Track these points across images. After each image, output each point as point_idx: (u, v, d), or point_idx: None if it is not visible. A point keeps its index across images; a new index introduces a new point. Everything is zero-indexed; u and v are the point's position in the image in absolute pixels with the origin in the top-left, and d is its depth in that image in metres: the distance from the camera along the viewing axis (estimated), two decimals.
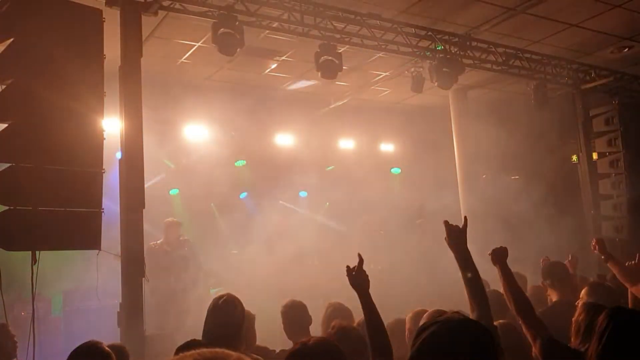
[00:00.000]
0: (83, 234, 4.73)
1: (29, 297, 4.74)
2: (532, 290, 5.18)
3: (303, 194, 13.05)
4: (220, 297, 3.83)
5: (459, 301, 2.99)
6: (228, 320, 3.50)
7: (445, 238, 2.88)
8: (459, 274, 2.85)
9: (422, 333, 1.87)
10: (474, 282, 2.69)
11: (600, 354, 2.34)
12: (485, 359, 1.81)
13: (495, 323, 2.95)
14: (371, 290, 2.87)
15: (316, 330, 4.38)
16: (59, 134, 4.64)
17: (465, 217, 2.95)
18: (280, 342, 6.10)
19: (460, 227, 2.88)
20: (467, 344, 1.80)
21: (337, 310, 4.46)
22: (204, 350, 1.12)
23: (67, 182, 4.67)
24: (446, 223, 2.89)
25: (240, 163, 12.04)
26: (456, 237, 2.83)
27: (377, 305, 2.85)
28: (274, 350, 4.06)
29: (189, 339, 3.69)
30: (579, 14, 7.46)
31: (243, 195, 12.44)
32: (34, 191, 4.48)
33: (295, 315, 4.27)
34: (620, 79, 9.56)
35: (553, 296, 4.65)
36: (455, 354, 1.78)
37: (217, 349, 1.13)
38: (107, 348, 3.41)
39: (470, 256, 2.76)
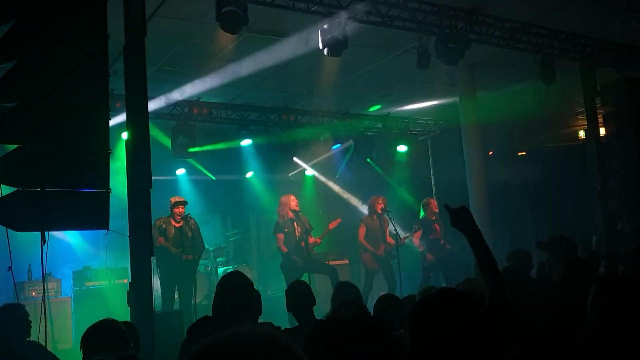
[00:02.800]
0: (91, 214, 4.77)
1: (40, 278, 4.79)
2: None
3: (310, 174, 13.10)
4: (229, 274, 3.86)
5: None
6: (237, 297, 3.54)
7: (451, 222, 2.78)
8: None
9: (412, 312, 1.92)
10: (485, 261, 2.65)
11: None
12: (477, 329, 1.84)
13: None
14: None
15: (319, 311, 4.42)
16: (64, 115, 4.65)
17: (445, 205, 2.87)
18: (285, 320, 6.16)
19: (462, 208, 2.77)
20: (456, 318, 1.84)
21: (344, 289, 4.51)
22: (242, 328, 1.13)
23: (74, 163, 4.70)
24: (447, 207, 2.80)
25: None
26: (462, 218, 2.75)
27: None
28: (280, 327, 4.10)
29: (198, 317, 3.73)
30: None
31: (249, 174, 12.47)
32: (42, 172, 4.51)
33: (299, 295, 4.31)
34: (628, 53, 9.44)
35: None
36: (444, 328, 1.82)
37: (253, 327, 1.14)
38: (122, 326, 3.45)
39: (481, 234, 2.70)
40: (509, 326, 2.58)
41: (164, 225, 8.42)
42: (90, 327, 3.44)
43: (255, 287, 3.79)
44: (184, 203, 8.65)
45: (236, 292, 3.56)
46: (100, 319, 3.56)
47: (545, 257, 5.09)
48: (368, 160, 12.23)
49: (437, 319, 1.88)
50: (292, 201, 8.93)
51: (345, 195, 12.36)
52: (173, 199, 8.71)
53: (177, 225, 8.53)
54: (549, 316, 3.34)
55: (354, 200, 12.01)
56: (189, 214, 8.72)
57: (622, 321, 2.38)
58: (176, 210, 8.55)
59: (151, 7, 6.41)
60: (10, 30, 4.44)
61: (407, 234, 9.45)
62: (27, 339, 4.43)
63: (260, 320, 4.22)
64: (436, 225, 9.61)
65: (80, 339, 3.41)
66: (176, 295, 8.39)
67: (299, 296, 4.29)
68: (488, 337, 1.84)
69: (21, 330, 4.37)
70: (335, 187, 12.66)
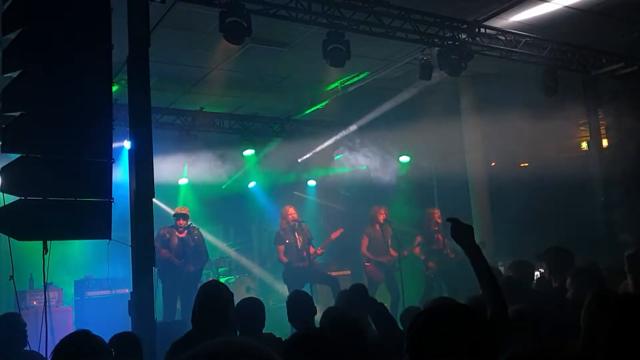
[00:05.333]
0: (93, 223, 4.76)
1: (41, 287, 4.77)
2: None
3: (312, 184, 13.08)
4: (206, 284, 3.84)
5: None
6: (214, 308, 3.51)
7: (452, 234, 2.82)
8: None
9: (413, 323, 1.91)
10: (484, 276, 2.67)
11: None
12: (477, 344, 1.83)
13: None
14: None
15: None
16: (68, 124, 4.66)
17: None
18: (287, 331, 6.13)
19: (465, 223, 2.82)
20: (456, 331, 1.83)
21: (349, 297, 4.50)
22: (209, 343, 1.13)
23: (77, 172, 4.70)
24: (451, 219, 2.84)
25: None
26: (463, 232, 2.78)
27: None
28: (280, 338, 4.08)
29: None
30: None
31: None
32: (44, 181, 4.51)
33: (299, 305, 4.29)
34: (631, 65, 9.45)
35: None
36: (443, 341, 1.81)
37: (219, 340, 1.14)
38: (97, 337, 3.34)
39: (479, 249, 2.73)
40: (508, 337, 2.58)
41: (167, 235, 8.49)
42: (62, 340, 3.35)
43: (256, 297, 3.78)
44: (185, 216, 8.69)
45: (212, 303, 3.53)
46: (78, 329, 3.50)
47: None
48: (364, 167, 12.20)
49: (438, 331, 1.86)
50: (290, 214, 8.95)
51: None
52: (176, 210, 8.80)
53: (181, 235, 8.58)
54: (548, 327, 3.34)
55: None
56: (191, 223, 8.76)
57: (610, 334, 2.37)
58: (177, 222, 8.65)
59: (155, 18, 6.44)
60: (15, 40, 4.47)
61: (410, 247, 9.41)
62: (26, 349, 4.41)
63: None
64: (439, 235, 9.57)
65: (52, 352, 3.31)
66: (178, 306, 8.40)
67: (299, 306, 4.27)
68: (488, 351, 1.83)
69: (18, 339, 4.35)
70: None
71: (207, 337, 1.18)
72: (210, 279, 10.30)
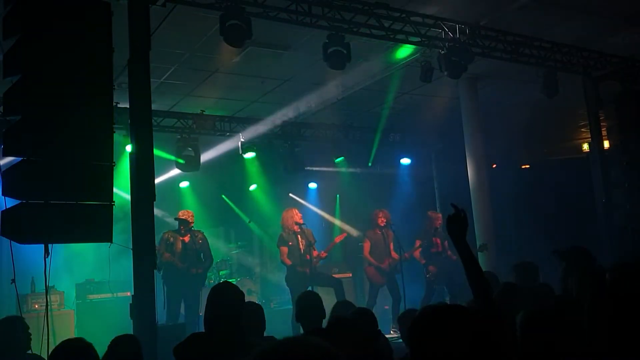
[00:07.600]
0: (94, 226, 4.78)
1: (42, 290, 4.77)
2: None
3: (313, 186, 13.08)
4: (217, 285, 3.84)
5: None
6: (226, 309, 3.52)
7: (447, 223, 2.78)
8: None
9: (413, 327, 1.91)
10: (473, 272, 2.66)
11: None
12: (474, 346, 1.82)
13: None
14: None
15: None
16: (68, 127, 4.67)
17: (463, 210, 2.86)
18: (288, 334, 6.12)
19: (462, 216, 2.77)
20: (452, 334, 1.82)
21: (342, 304, 4.51)
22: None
23: (77, 176, 4.71)
24: (454, 206, 2.79)
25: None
26: (457, 225, 2.75)
27: None
28: None
29: (200, 330, 3.70)
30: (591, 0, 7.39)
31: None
32: (45, 185, 4.52)
33: (309, 306, 4.29)
34: (632, 66, 9.44)
35: None
36: (441, 343, 1.81)
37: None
38: (86, 341, 3.38)
39: (469, 247, 2.71)
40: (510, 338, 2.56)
41: (171, 239, 8.51)
42: (56, 347, 3.38)
43: (258, 301, 3.78)
44: (186, 222, 8.69)
45: (224, 305, 3.54)
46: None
47: (560, 267, 4.99)
48: (370, 164, 12.19)
49: (437, 334, 1.86)
50: (296, 214, 8.92)
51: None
52: (179, 214, 8.82)
53: (184, 238, 8.60)
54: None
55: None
56: (190, 226, 8.79)
57: (609, 332, 2.37)
58: (181, 226, 8.68)
59: (156, 21, 6.45)
60: (16, 44, 4.48)
61: (410, 250, 9.41)
62: (28, 352, 4.41)
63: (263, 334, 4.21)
64: (437, 239, 9.56)
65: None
66: (182, 310, 8.42)
67: (309, 307, 4.27)
68: (489, 352, 1.83)
69: (21, 343, 4.35)
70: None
71: (218, 337, 1.19)
72: (212, 281, 10.33)
